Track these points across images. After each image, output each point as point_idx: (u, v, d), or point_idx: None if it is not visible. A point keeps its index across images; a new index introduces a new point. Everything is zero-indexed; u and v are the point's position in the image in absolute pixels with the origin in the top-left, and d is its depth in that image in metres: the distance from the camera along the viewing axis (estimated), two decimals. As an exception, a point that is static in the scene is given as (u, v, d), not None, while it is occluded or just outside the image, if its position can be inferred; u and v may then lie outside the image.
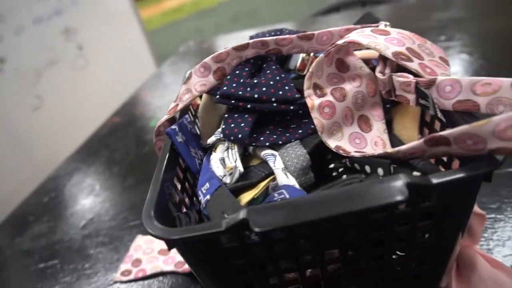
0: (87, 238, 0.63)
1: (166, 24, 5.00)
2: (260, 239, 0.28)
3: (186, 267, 0.50)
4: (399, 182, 0.23)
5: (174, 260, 0.52)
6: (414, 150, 0.28)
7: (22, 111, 1.63)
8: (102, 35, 1.98)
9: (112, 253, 0.58)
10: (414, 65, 0.33)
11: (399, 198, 0.23)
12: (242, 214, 0.25)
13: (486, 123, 0.24)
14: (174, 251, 0.54)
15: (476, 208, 0.38)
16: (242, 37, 0.52)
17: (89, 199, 0.73)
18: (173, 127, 0.39)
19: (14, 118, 1.59)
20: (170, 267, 0.52)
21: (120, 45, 2.11)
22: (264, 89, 0.37)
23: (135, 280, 0.52)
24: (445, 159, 0.33)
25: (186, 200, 0.38)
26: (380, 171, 0.29)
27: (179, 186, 0.37)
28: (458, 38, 0.96)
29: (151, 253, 0.55)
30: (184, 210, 0.35)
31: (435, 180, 0.24)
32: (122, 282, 0.52)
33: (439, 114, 0.30)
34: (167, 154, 0.36)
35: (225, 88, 0.38)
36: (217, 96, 0.38)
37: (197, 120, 0.47)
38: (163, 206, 0.32)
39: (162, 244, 0.56)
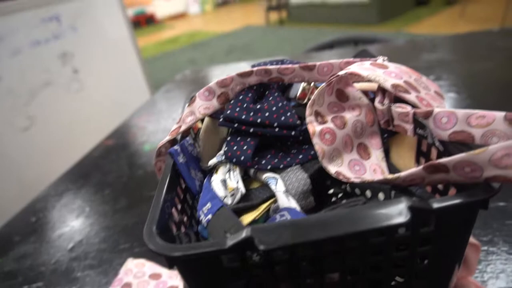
0: (75, 261, 0.61)
1: (161, 54, 5.10)
2: (263, 260, 0.28)
3: (177, 292, 0.49)
4: (402, 205, 0.24)
5: (165, 285, 0.51)
6: (413, 176, 0.29)
7: (13, 130, 1.61)
8: (99, 61, 2.01)
9: (101, 277, 0.56)
10: (411, 97, 0.34)
11: (402, 220, 0.23)
12: (246, 232, 0.25)
13: (483, 151, 0.25)
14: (166, 275, 0.53)
15: (471, 239, 0.39)
16: (238, 67, 0.54)
17: (78, 221, 0.72)
18: (175, 147, 0.39)
19: (3, 137, 1.57)
20: (161, 293, 0.50)
21: (116, 72, 2.14)
22: (267, 114, 0.39)
23: (124, 305, 0.50)
24: (441, 187, 0.34)
25: (185, 220, 0.38)
26: (381, 196, 0.30)
27: (179, 207, 0.37)
28: (445, 78, 1.00)
29: (142, 277, 0.53)
30: (184, 230, 0.35)
31: (435, 205, 0.25)
32: (109, 307, 0.51)
33: (437, 143, 0.31)
34: (169, 174, 0.36)
35: (228, 111, 0.39)
36: (221, 119, 0.39)
37: (196, 144, 0.48)
38: (163, 225, 0.31)
39: (153, 268, 0.55)
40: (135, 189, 0.79)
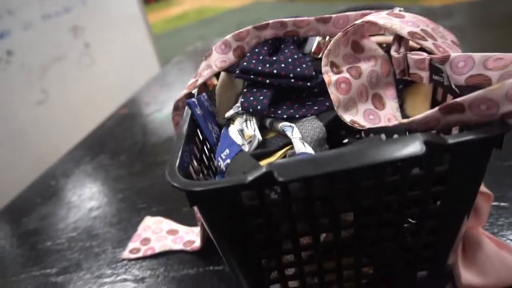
0: (95, 219, 0.64)
1: (170, 31, 5.06)
2: (280, 197, 0.29)
3: (195, 245, 0.51)
4: (417, 140, 0.25)
5: (182, 240, 0.53)
6: (428, 119, 0.30)
7: (27, 104, 1.64)
8: (109, 35, 2.01)
9: (121, 233, 0.59)
10: (428, 44, 0.34)
11: (418, 151, 0.24)
12: (266, 168, 0.26)
13: (500, 86, 0.25)
14: (183, 231, 0.55)
15: (482, 187, 0.39)
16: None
17: (96, 184, 0.74)
18: (193, 99, 0.40)
19: (18, 111, 1.60)
20: (179, 246, 0.52)
21: (127, 46, 2.14)
22: (282, 65, 0.39)
23: (144, 257, 0.53)
24: (454, 131, 0.35)
25: (204, 170, 0.39)
26: (396, 137, 0.30)
27: (198, 156, 0.38)
28: (462, 44, 0.98)
29: (160, 233, 0.56)
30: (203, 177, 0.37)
31: (450, 140, 0.26)
32: (130, 259, 0.53)
33: (453, 86, 0.31)
34: (187, 123, 0.37)
35: (245, 63, 0.40)
36: (237, 71, 0.40)
37: (212, 100, 0.49)
38: (184, 170, 0.33)
39: (171, 225, 0.57)
40: (150, 154, 0.81)
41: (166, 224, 0.57)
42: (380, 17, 0.37)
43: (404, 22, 0.36)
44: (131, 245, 0.55)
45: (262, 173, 0.26)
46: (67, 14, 1.78)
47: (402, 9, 0.41)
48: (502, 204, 0.47)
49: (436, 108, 0.29)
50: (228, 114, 0.41)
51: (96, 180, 0.75)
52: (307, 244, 0.33)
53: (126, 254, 0.54)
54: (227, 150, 0.35)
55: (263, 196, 0.28)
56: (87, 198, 0.70)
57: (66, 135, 1.65)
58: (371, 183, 0.28)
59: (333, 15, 0.41)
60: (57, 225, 0.64)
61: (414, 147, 0.24)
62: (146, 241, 0.55)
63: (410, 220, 0.33)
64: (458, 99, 0.27)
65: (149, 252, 0.53)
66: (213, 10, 5.88)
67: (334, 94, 0.36)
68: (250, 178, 0.26)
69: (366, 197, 0.30)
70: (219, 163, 0.35)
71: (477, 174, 0.30)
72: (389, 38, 0.43)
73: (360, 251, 0.34)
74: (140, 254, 0.53)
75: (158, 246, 0.53)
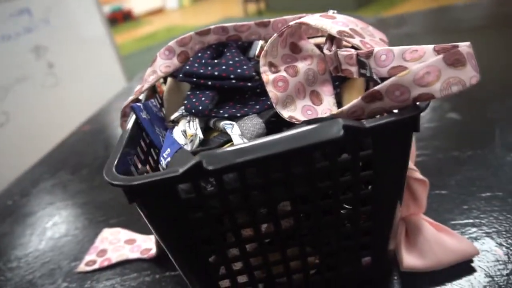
0: (52, 236, 0.62)
1: (139, 50, 5.05)
2: (216, 188, 0.30)
3: (151, 252, 0.51)
4: (336, 123, 0.27)
5: (140, 248, 0.53)
6: (355, 108, 0.32)
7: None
8: (74, 55, 1.99)
9: (78, 247, 0.58)
10: (355, 41, 0.37)
11: (335, 134, 0.26)
12: (196, 158, 0.27)
13: (407, 73, 0.27)
14: (141, 239, 0.54)
15: (417, 174, 0.42)
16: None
17: (55, 200, 0.72)
18: (138, 104, 0.41)
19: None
20: (135, 255, 0.52)
21: (93, 66, 2.12)
22: (223, 67, 0.40)
23: (100, 269, 0.52)
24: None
25: (149, 171, 0.40)
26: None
27: (142, 158, 0.39)
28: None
29: (117, 243, 0.55)
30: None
31: (368, 124, 0.28)
32: (86, 272, 0.52)
33: (375, 77, 0.34)
34: (131, 126, 0.38)
35: (187, 67, 0.41)
36: (180, 75, 0.41)
37: (162, 108, 0.49)
38: (125, 170, 0.33)
39: (128, 235, 0.57)
40: (111, 167, 0.80)
41: (124, 234, 0.57)
42: (312, 19, 0.39)
43: (335, 23, 0.39)
44: (87, 257, 0.54)
45: (192, 164, 0.27)
46: (29, 34, 1.75)
47: (335, 11, 0.43)
48: (443, 191, 0.50)
49: (360, 98, 0.31)
50: (173, 116, 0.42)
51: (55, 197, 0.74)
52: (249, 236, 0.34)
53: (81, 267, 0.53)
54: (169, 149, 0.35)
55: (199, 188, 0.29)
56: (45, 215, 0.68)
57: (27, 156, 1.60)
58: (301, 170, 0.30)
59: (272, 19, 0.44)
60: (12, 243, 0.62)
61: (332, 130, 0.26)
62: (102, 252, 0.54)
63: (346, 206, 0.35)
64: (376, 87, 0.29)
65: (105, 263, 0.52)
66: (182, 28, 5.92)
67: (272, 92, 0.38)
68: (181, 170, 0.27)
69: (300, 185, 0.31)
70: (161, 163, 0.36)
71: (400, 156, 0.32)
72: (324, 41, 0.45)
73: (302, 241, 0.35)
74: (96, 266, 0.52)
75: (115, 256, 0.53)
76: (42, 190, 0.77)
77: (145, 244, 0.53)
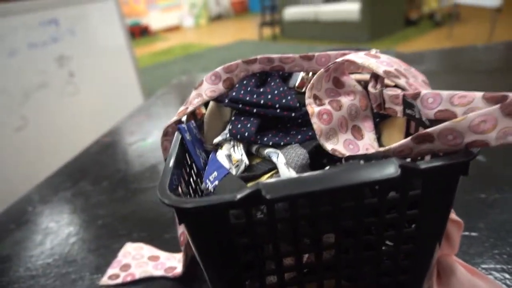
0: (73, 245, 0.62)
1: (155, 64, 5.15)
2: (266, 216, 0.30)
3: (176, 271, 0.51)
4: (393, 163, 0.27)
5: (164, 266, 0.53)
6: (403, 147, 0.33)
7: (5, 130, 1.61)
8: (95, 65, 2.04)
9: (100, 259, 0.58)
10: (401, 81, 0.38)
11: (393, 173, 0.26)
12: (255, 186, 0.28)
13: (463, 119, 0.28)
14: (165, 257, 0.54)
15: (453, 216, 0.42)
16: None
17: (75, 210, 0.73)
18: (183, 125, 0.42)
19: (-4, 136, 1.57)
20: (160, 272, 0.52)
21: (112, 78, 2.17)
22: (269, 96, 0.42)
23: (123, 284, 0.52)
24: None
25: (191, 194, 0.40)
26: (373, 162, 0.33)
27: (186, 179, 0.40)
28: (432, 87, 1.05)
29: (141, 259, 0.55)
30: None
31: (422, 165, 0.29)
32: (109, 286, 0.52)
33: (424, 119, 0.35)
34: (177, 147, 0.39)
35: (234, 93, 0.42)
36: (227, 101, 0.42)
37: (201, 128, 0.51)
38: (173, 190, 0.34)
39: (152, 251, 0.57)
40: (132, 181, 0.81)
41: (147, 250, 0.57)
42: (358, 57, 0.41)
43: (380, 62, 0.40)
44: (110, 271, 0.54)
45: (251, 191, 0.27)
46: (54, 44, 1.80)
47: (378, 50, 0.45)
48: (473, 234, 0.50)
49: (409, 138, 0.32)
50: (216, 140, 0.43)
51: (75, 206, 0.74)
52: (289, 265, 0.34)
53: (104, 280, 0.53)
54: (215, 173, 0.36)
55: (250, 215, 0.30)
56: (65, 224, 0.69)
57: (42, 161, 1.62)
58: (351, 204, 0.30)
59: (316, 53, 0.45)
60: (32, 251, 0.63)
61: (389, 170, 0.27)
62: (126, 267, 0.54)
63: (387, 242, 0.35)
64: (429, 130, 0.30)
65: (128, 279, 0.52)
66: (198, 46, 6.05)
67: (316, 124, 0.39)
68: (239, 196, 0.28)
69: (346, 218, 0.32)
70: (207, 185, 0.36)
71: (447, 198, 0.32)
72: (366, 76, 0.47)
73: (340, 273, 0.35)
74: (119, 281, 0.52)
75: (138, 272, 0.53)
76: (62, 199, 0.78)
77: (169, 262, 0.53)
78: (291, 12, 5.32)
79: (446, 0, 4.49)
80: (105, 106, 2.06)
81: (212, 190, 0.36)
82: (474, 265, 0.44)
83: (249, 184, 0.36)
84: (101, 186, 0.81)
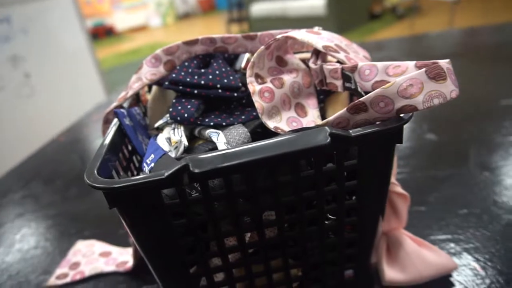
0: (21, 248, 0.59)
1: (121, 65, 5.02)
2: (201, 194, 0.29)
3: (128, 265, 0.49)
4: (323, 132, 0.27)
5: (115, 261, 0.51)
6: (340, 119, 0.32)
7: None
8: (53, 67, 1.96)
9: (48, 260, 0.55)
10: (340, 55, 0.38)
11: (322, 141, 0.26)
12: (183, 162, 0.26)
13: (392, 84, 0.28)
14: (117, 252, 0.52)
15: (399, 189, 0.42)
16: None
17: (25, 212, 0.69)
18: (121, 110, 0.40)
19: None
20: (111, 268, 0.50)
21: (71, 79, 2.09)
22: (210, 77, 0.41)
23: (72, 283, 0.49)
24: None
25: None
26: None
27: (124, 164, 0.38)
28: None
29: (91, 256, 0.53)
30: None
31: (354, 133, 0.28)
32: (56, 286, 0.49)
33: (360, 89, 0.35)
34: (113, 132, 0.37)
35: (174, 75, 0.41)
36: (166, 83, 0.41)
37: (146, 116, 0.49)
38: (106, 174, 0.32)
39: (103, 247, 0.54)
40: (88, 179, 0.78)
41: (99, 246, 0.55)
42: (299, 33, 0.40)
43: (320, 38, 0.40)
44: (59, 270, 0.51)
45: (178, 167, 0.26)
46: (6, 43, 1.71)
47: (320, 28, 0.45)
48: (422, 208, 0.51)
49: (345, 109, 0.31)
50: (157, 123, 0.41)
51: (25, 208, 0.70)
52: (232, 246, 0.33)
53: (52, 280, 0.50)
54: (152, 155, 0.35)
55: (183, 193, 0.29)
56: (13, 227, 0.65)
57: (1, 168, 1.54)
58: (287, 178, 0.30)
59: (259, 33, 0.44)
60: (-24, 256, 0.59)
61: (319, 138, 0.26)
62: (75, 265, 0.52)
63: (330, 216, 0.35)
64: (362, 99, 0.30)
65: (78, 277, 0.50)
66: (166, 45, 5.94)
67: (258, 102, 0.38)
68: (167, 173, 0.27)
69: (285, 194, 0.31)
70: (144, 169, 0.35)
71: (384, 168, 0.32)
72: (309, 56, 0.46)
73: (286, 251, 0.35)
74: (68, 280, 0.49)
75: (88, 269, 0.50)
76: (11, 201, 0.74)
77: (121, 257, 0.51)
78: (258, 9, 5.32)
79: (407, -7, 4.62)
80: (64, 108, 1.98)
81: (148, 173, 0.34)
82: (422, 237, 0.45)
83: (188, 165, 0.35)
84: (54, 185, 0.77)
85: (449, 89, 0.28)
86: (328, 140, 0.26)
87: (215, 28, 6.60)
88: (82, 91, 2.15)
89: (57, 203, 0.70)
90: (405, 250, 0.42)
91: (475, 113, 0.75)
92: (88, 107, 1.90)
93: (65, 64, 2.04)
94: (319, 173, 0.30)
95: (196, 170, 0.25)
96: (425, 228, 0.47)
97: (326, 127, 0.27)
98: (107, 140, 0.35)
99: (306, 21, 4.74)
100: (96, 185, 0.27)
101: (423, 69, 0.28)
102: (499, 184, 0.53)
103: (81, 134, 1.04)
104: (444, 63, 0.28)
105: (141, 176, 0.27)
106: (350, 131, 0.28)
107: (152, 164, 0.34)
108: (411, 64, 0.33)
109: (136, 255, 0.47)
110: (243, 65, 0.48)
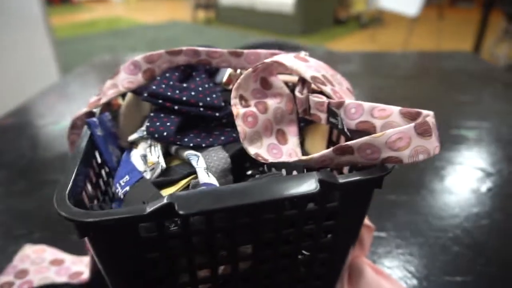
0: (-44, 247, 0.53)
1: (76, 37, 4.71)
2: (181, 229, 0.28)
3: (83, 277, 0.46)
4: (312, 178, 0.27)
5: (68, 271, 0.48)
6: (324, 158, 0.32)
7: None
8: (0, 34, 1.78)
9: (-11, 264, 0.50)
10: (327, 89, 0.38)
11: (312, 189, 0.26)
12: (167, 199, 0.25)
13: (381, 135, 0.29)
14: (70, 260, 0.49)
15: (366, 221, 0.44)
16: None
17: (-37, 204, 0.63)
18: (94, 119, 0.37)
19: None
20: (63, 278, 0.47)
21: (20, 48, 1.92)
22: (192, 93, 0.39)
23: (17, 293, 0.46)
24: (345, 171, 0.38)
25: (99, 196, 0.36)
26: (295, 173, 0.32)
27: (93, 180, 0.35)
28: (355, 89, 1.11)
29: (41, 263, 0.49)
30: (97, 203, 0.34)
31: (341, 180, 0.28)
32: (-1, 295, 0.45)
33: (345, 129, 0.35)
34: (85, 144, 0.34)
35: (154, 87, 0.39)
36: (145, 94, 0.39)
37: (116, 121, 0.46)
38: (76, 196, 0.30)
39: (55, 254, 0.51)
40: (38, 171, 0.72)
41: (50, 253, 0.51)
42: (287, 59, 0.40)
43: (308, 66, 0.40)
44: (3, 278, 0.47)
45: (162, 204, 0.25)
46: None
47: (307, 53, 0.44)
48: (381, 234, 0.53)
49: (331, 149, 0.32)
50: (131, 137, 0.39)
51: (-37, 200, 0.64)
52: (204, 277, 0.33)
53: (-6, 289, 0.46)
54: (127, 177, 0.33)
55: (162, 228, 0.27)
56: None
57: None
58: (271, 217, 0.30)
59: (245, 51, 0.43)
60: None
61: (309, 185, 0.26)
62: (22, 273, 0.48)
63: (304, 252, 0.35)
64: (349, 143, 0.30)
65: (25, 287, 0.46)
66: (126, 22, 5.66)
67: (241, 126, 0.37)
68: (149, 209, 0.25)
69: (265, 230, 0.31)
70: (117, 190, 0.33)
71: (362, 210, 0.33)
72: (294, 78, 0.46)
73: (257, 283, 0.35)
74: (12, 289, 0.46)
75: (37, 279, 0.47)
76: None
77: (75, 267, 0.48)
78: (227, -3, 5.23)
79: (372, 4, 4.78)
80: (11, 81, 1.82)
81: (122, 197, 0.32)
82: (380, 265, 0.47)
83: (165, 191, 0.33)
84: (-2, 176, 0.71)
85: (433, 145, 0.29)
86: (318, 188, 0.26)
87: (180, 12, 6.39)
88: (33, 62, 1.99)
89: (1, 198, 0.64)
90: (365, 280, 0.44)
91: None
92: (41, 84, 1.76)
93: (14, 31, 1.87)
94: (301, 214, 0.30)
95: (181, 212, 0.24)
96: (383, 256, 0.49)
97: (315, 173, 0.27)
98: (79, 156, 0.32)
99: (274, 17, 4.74)
100: (69, 215, 0.25)
101: (412, 124, 0.28)
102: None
103: (31, 118, 0.96)
104: (430, 118, 0.29)
105: (120, 210, 0.26)
106: (337, 177, 0.29)
107: (127, 188, 0.32)
108: (396, 110, 0.34)
109: (93, 268, 0.45)
110: (224, 79, 0.46)
